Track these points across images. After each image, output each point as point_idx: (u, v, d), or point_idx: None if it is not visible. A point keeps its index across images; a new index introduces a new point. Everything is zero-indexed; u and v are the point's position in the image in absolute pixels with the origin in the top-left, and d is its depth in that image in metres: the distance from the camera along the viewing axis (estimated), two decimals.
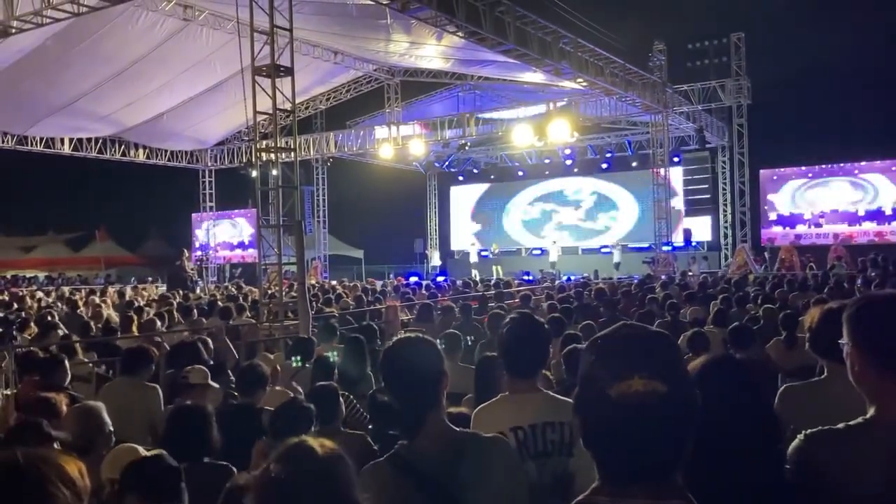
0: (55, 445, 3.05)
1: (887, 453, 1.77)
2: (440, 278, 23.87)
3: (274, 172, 12.15)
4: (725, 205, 25.11)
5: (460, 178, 32.75)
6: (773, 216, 23.35)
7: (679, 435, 1.30)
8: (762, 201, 23.60)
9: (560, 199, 30.99)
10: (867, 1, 29.19)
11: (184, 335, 8.66)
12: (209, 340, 7.28)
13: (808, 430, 1.90)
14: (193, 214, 31.11)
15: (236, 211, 30.22)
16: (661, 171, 22.31)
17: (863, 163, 22.42)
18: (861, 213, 22.15)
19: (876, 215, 21.94)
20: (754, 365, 3.95)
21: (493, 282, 17.45)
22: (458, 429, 2.27)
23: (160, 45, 18.39)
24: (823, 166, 22.97)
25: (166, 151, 27.80)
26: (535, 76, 19.78)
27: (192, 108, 23.20)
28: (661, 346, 1.37)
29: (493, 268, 26.21)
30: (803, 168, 23.24)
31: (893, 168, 21.90)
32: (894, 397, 1.84)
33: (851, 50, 27.57)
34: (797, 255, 21.34)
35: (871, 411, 1.87)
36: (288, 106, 11.35)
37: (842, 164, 22.72)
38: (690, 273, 19.81)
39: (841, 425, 1.87)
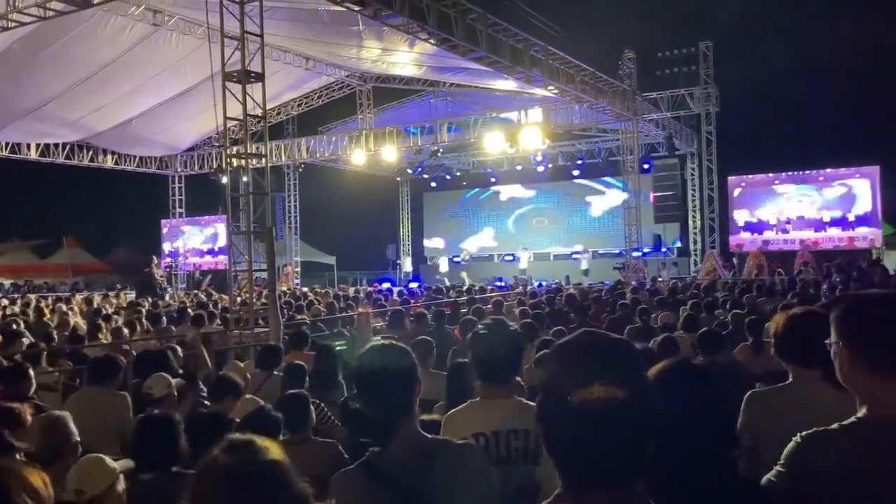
0: (18, 456, 3.00)
1: (880, 451, 1.80)
2: (413, 284, 23.84)
3: (245, 179, 12.07)
4: (695, 211, 25.40)
5: (433, 184, 32.81)
6: (741, 222, 23.64)
7: (639, 441, 1.31)
8: (730, 207, 23.90)
9: (531, 204, 31.17)
10: (832, 10, 29.76)
11: (152, 343, 8.56)
12: (178, 349, 7.21)
13: (804, 432, 1.92)
14: (163, 221, 30.79)
15: (207, 217, 29.95)
16: (632, 178, 22.51)
17: (828, 170, 22.79)
18: (826, 219, 22.51)
19: (840, 221, 22.30)
20: (716, 370, 3.99)
21: (465, 288, 17.48)
22: (429, 435, 2.27)
23: (129, 49, 18.20)
24: (790, 173, 23.31)
25: (135, 157, 27.49)
26: (506, 83, 19.88)
27: (162, 114, 22.97)
28: (621, 353, 1.39)
29: (461, 274, 26.24)
30: (770, 175, 23.56)
31: (857, 175, 22.29)
32: (884, 396, 1.87)
33: (817, 59, 28.07)
34: (765, 260, 21.64)
35: (862, 410, 1.90)
36: (259, 112, 11.29)
37: (808, 171, 23.08)
38: (660, 279, 20.00)
39: (835, 425, 1.90)
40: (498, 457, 2.63)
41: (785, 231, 22.80)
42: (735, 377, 5.35)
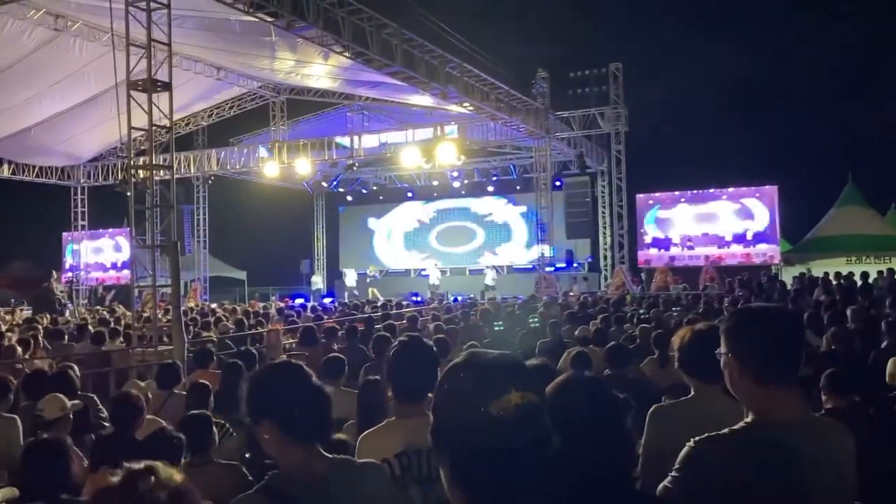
0: None
1: (760, 452, 1.87)
2: (327, 300, 23.55)
3: (150, 191, 11.68)
4: (605, 227, 26.02)
5: (349, 198, 32.59)
6: (647, 239, 24.38)
7: (549, 450, 1.28)
8: (638, 224, 24.61)
9: (447, 220, 31.34)
10: (734, 35, 31.19)
11: (47, 362, 8.13)
12: (75, 367, 6.87)
13: (697, 437, 2.01)
14: (64, 234, 29.49)
15: (110, 230, 28.85)
16: (544, 194, 22.91)
17: (730, 189, 23.76)
18: (728, 237, 23.45)
19: (741, 239, 23.27)
20: (622, 383, 4.05)
21: (380, 304, 17.37)
22: (329, 455, 2.21)
23: (29, 55, 17.39)
24: (695, 191, 24.20)
25: (34, 167, 26.28)
26: (423, 99, 19.96)
27: (64, 123, 22.03)
28: (521, 364, 1.38)
29: (369, 290, 26.12)
30: (676, 193, 24.40)
31: (757, 194, 23.31)
32: (769, 404, 1.99)
33: (720, 82, 29.38)
34: (671, 275, 22.35)
35: (749, 416, 2.02)
36: (166, 122, 10.96)
37: (711, 190, 24.00)
38: (572, 293, 20.37)
39: (725, 430, 2.01)
40: (421, 476, 2.59)
41: (690, 248, 23.62)
42: (641, 390, 5.45)
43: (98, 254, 29.15)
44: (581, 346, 7.14)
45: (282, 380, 2.16)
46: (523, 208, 29.15)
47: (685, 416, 2.84)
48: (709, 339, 2.90)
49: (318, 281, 30.20)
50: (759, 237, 23.02)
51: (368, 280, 28.33)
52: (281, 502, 2.01)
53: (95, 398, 6.25)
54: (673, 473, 2.01)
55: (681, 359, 2.97)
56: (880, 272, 17.39)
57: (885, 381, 6.54)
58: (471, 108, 18.86)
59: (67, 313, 19.56)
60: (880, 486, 3.52)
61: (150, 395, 5.35)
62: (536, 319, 11.25)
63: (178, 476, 1.45)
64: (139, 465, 1.47)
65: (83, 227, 29.09)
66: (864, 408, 4.87)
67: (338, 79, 20.84)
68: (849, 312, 9.32)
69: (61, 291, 22.32)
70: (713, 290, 19.14)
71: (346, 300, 20.13)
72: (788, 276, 20.84)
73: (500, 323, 11.14)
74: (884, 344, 7.76)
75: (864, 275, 16.40)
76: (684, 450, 2.01)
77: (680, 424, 2.65)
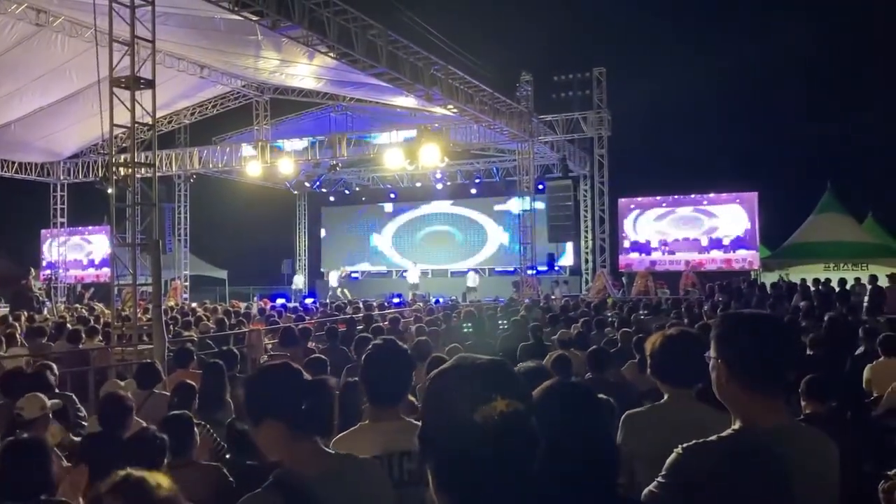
0: None
1: (746, 459, 1.90)
2: (308, 300, 23.48)
3: (131, 188, 11.59)
4: (586, 231, 26.13)
5: (331, 199, 32.50)
6: (628, 243, 24.51)
7: (534, 457, 1.29)
8: (620, 229, 24.74)
9: (430, 221, 31.35)
10: (718, 42, 31.46)
11: (23, 361, 8.04)
12: (53, 366, 6.81)
13: (685, 444, 2.01)
14: (43, 231, 29.17)
15: (90, 228, 28.57)
16: (527, 197, 22.97)
17: (711, 194, 23.93)
18: (704, 242, 23.65)
19: (721, 244, 23.45)
20: (603, 387, 4.07)
21: (361, 305, 17.34)
22: (333, 451, 2.25)
23: (9, 49, 17.20)
24: (676, 196, 24.36)
25: (14, 163, 26.00)
26: (407, 100, 19.96)
27: (45, 119, 21.81)
28: (508, 371, 1.38)
29: (339, 291, 26.09)
30: (658, 198, 24.54)
31: (738, 200, 23.51)
32: (754, 410, 2.00)
33: (703, 88, 29.62)
34: (652, 280, 22.48)
35: (736, 423, 2.02)
36: (148, 120, 10.87)
37: (692, 195, 24.17)
38: (553, 297, 20.45)
39: (713, 437, 2.01)
40: (392, 479, 2.59)
41: (671, 252, 23.76)
42: (621, 394, 5.48)
43: (77, 251, 28.84)
44: (562, 350, 7.16)
45: (286, 378, 2.16)
46: (506, 211, 29.21)
47: (657, 420, 2.83)
48: (680, 344, 2.92)
49: (300, 281, 30.11)
50: (739, 243, 23.20)
51: (339, 281, 28.31)
52: (294, 497, 2.00)
53: (74, 397, 6.20)
54: (659, 479, 2.02)
55: (653, 364, 2.96)
56: (857, 279, 17.62)
57: (861, 387, 6.64)
58: (455, 110, 18.88)
59: (45, 311, 19.34)
60: (857, 491, 3.57)
61: (130, 396, 5.29)
62: (505, 324, 11.29)
63: (166, 483, 1.45)
64: (129, 474, 1.48)
65: (62, 224, 28.82)
66: (842, 413, 4.93)
67: (322, 79, 20.80)
68: (826, 319, 9.44)
69: (39, 289, 22.06)
70: (694, 295, 19.29)
71: (328, 301, 20.06)
72: (767, 281, 21.05)
73: (469, 325, 11.15)
74: (860, 350, 7.88)
75: (842, 281, 16.60)
76: (672, 456, 2.01)
77: (652, 429, 2.67)
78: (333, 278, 28.60)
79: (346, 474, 2.10)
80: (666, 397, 2.96)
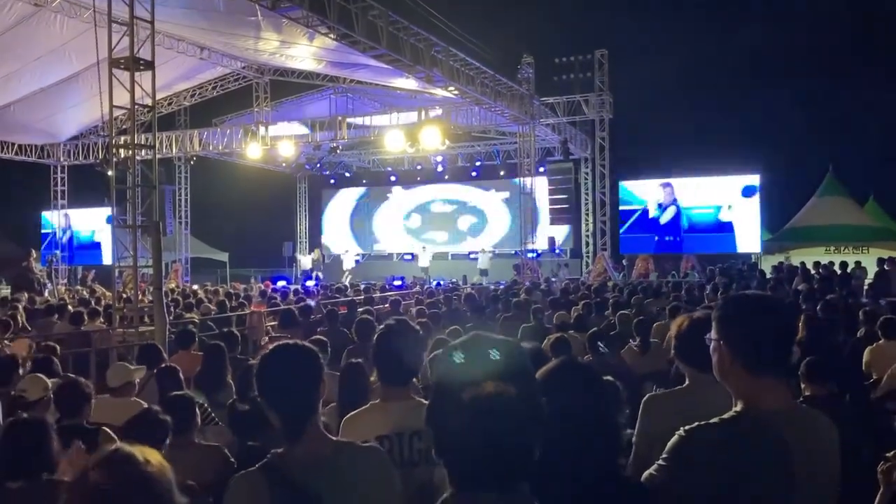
0: None
1: (748, 441, 1.91)
2: (310, 283, 23.50)
3: (132, 170, 11.57)
4: (587, 214, 26.10)
5: (332, 181, 32.44)
6: (629, 226, 24.45)
7: (527, 439, 1.31)
8: (621, 211, 24.68)
9: (431, 205, 31.31)
10: (721, 24, 31.29)
11: (27, 342, 8.07)
12: (57, 349, 6.84)
13: (686, 427, 2.00)
14: (44, 212, 29.17)
15: (92, 209, 28.56)
16: (528, 180, 22.93)
17: (713, 177, 23.85)
18: (710, 225, 23.55)
19: (723, 227, 23.38)
20: (604, 369, 4.08)
21: (363, 287, 17.37)
22: (333, 437, 2.26)
23: (8, 30, 17.08)
24: (677, 179, 24.26)
25: (13, 145, 25.93)
26: (407, 82, 19.86)
27: (44, 100, 21.71)
28: (509, 352, 1.39)
29: (346, 277, 26.15)
30: (659, 180, 24.44)
31: (740, 183, 23.41)
32: (758, 393, 1.99)
33: (705, 71, 29.47)
34: (652, 263, 22.48)
35: (738, 405, 2.01)
36: (148, 101, 10.84)
37: (694, 178, 24.07)
38: (554, 279, 20.46)
39: (715, 420, 2.00)
40: (402, 459, 2.61)
41: (672, 235, 23.71)
42: (621, 376, 5.49)
43: (78, 233, 28.85)
44: (561, 332, 7.18)
45: (275, 367, 2.17)
46: (506, 194, 29.17)
47: (680, 405, 2.82)
48: (706, 328, 2.91)
49: (307, 262, 29.96)
50: (741, 226, 23.16)
51: (312, 265, 28.33)
52: (279, 481, 2.02)
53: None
54: (660, 462, 2.02)
55: (677, 347, 2.96)
56: (858, 262, 17.61)
57: (861, 370, 6.65)
58: (456, 92, 18.80)
59: (47, 293, 19.38)
60: (855, 473, 3.58)
61: (136, 378, 5.29)
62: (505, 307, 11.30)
63: (155, 458, 1.46)
64: (118, 448, 1.48)
65: (63, 206, 28.78)
66: (841, 396, 4.95)
67: (322, 61, 20.69)
68: (828, 301, 9.44)
69: (40, 271, 22.09)
70: (693, 278, 19.30)
71: (342, 284, 20.03)
72: (768, 264, 21.04)
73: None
74: (860, 332, 7.89)
75: (843, 264, 16.60)
76: (674, 438, 2.01)
77: (675, 414, 2.66)
78: (307, 262, 28.67)
79: (340, 461, 2.10)
80: (688, 381, 2.94)
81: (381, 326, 2.94)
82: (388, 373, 2.80)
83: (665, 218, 23.60)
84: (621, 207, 24.18)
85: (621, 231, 24.03)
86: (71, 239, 28.77)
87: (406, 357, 2.80)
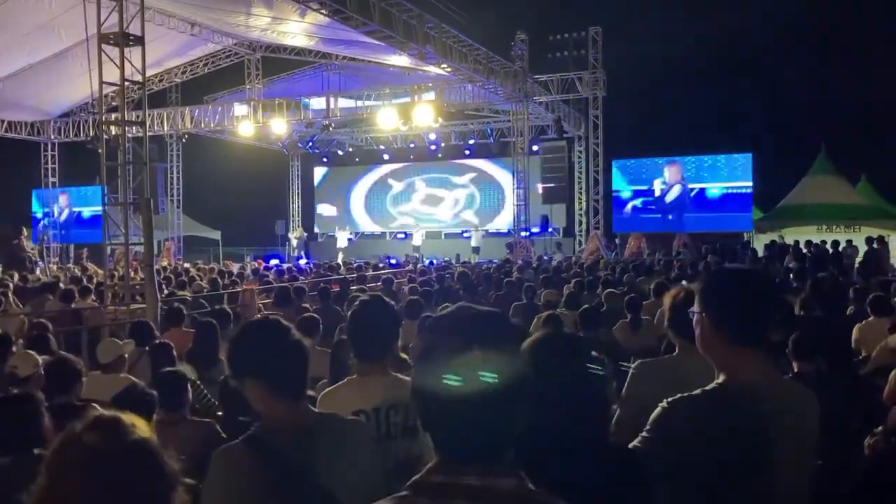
0: None
1: (729, 412, 1.94)
2: (302, 261, 23.48)
3: (122, 147, 11.50)
4: (580, 193, 26.08)
5: (324, 159, 32.30)
6: (621, 204, 24.46)
7: (512, 409, 1.32)
8: (614, 190, 24.67)
9: (424, 182, 31.23)
10: (715, 2, 31.14)
11: (20, 318, 8.06)
12: (49, 326, 6.84)
13: (669, 398, 2.03)
14: (35, 190, 28.99)
15: (83, 187, 28.38)
16: (521, 158, 22.87)
17: (706, 156, 23.82)
18: (701, 204, 23.57)
19: (715, 205, 23.39)
20: (596, 346, 4.11)
21: (356, 265, 17.36)
22: (316, 410, 2.28)
23: None
24: (670, 158, 24.22)
25: (3, 122, 25.73)
26: (400, 59, 19.74)
27: (34, 77, 21.50)
28: (495, 323, 1.40)
29: (340, 256, 26.13)
30: (653, 159, 24.41)
31: (733, 162, 23.40)
32: (739, 365, 2.02)
33: (699, 49, 29.37)
34: (645, 241, 22.50)
35: (720, 377, 2.04)
36: (138, 78, 10.74)
37: (688, 157, 24.04)
38: (546, 257, 20.48)
39: (697, 391, 2.02)
40: (379, 433, 2.62)
41: (664, 213, 23.72)
42: (612, 352, 5.54)
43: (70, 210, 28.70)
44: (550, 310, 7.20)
45: (262, 337, 2.19)
46: (500, 172, 29.10)
47: (669, 373, 2.86)
48: None
49: (292, 239, 29.89)
50: (733, 204, 23.18)
51: (296, 243, 28.32)
52: (262, 452, 2.03)
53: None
54: (644, 434, 2.04)
55: (671, 317, 2.98)
56: (849, 241, 17.69)
57: (850, 347, 6.70)
58: (448, 69, 18.70)
59: (38, 271, 19.31)
60: (843, 446, 3.63)
61: (125, 355, 5.30)
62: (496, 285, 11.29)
63: (142, 425, 1.46)
64: (103, 413, 1.48)
65: (54, 183, 28.60)
66: (830, 372, 4.98)
67: (314, 37, 20.53)
68: (818, 279, 9.49)
69: (31, 249, 21.99)
70: (686, 256, 19.33)
71: (334, 262, 20.01)
72: (760, 243, 21.11)
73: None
74: (850, 310, 7.94)
75: (835, 243, 16.67)
76: (657, 410, 2.04)
77: (662, 381, 2.68)
78: (342, 238, 28.66)
79: (322, 433, 2.11)
80: (678, 350, 2.98)
81: (356, 303, 2.95)
82: (363, 348, 2.82)
83: (671, 196, 23.60)
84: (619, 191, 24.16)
85: (629, 210, 23.99)
86: (70, 217, 28.61)
87: (381, 332, 2.81)
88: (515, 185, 23.17)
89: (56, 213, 28.03)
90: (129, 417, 1.46)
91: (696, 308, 2.12)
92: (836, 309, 8.11)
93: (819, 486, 2.12)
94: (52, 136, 27.66)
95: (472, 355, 1.29)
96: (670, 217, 23.45)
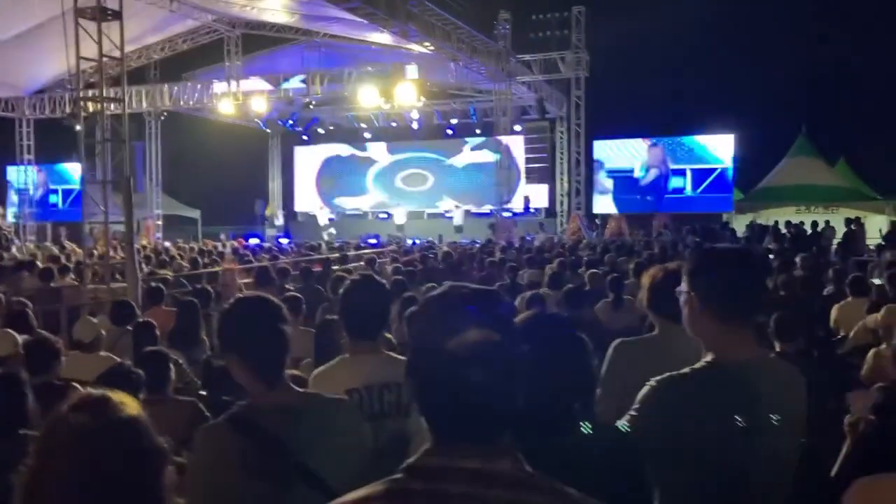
0: None
1: (721, 393, 1.95)
2: (283, 240, 23.37)
3: (100, 125, 11.34)
4: (562, 174, 26.10)
5: (304, 137, 32.02)
6: (604, 185, 24.53)
7: (510, 388, 1.31)
8: (596, 171, 24.74)
9: (406, 162, 31.07)
10: None
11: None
12: (29, 304, 6.75)
13: (658, 377, 2.04)
14: (9, 167, 28.55)
15: (60, 165, 28.01)
16: (503, 138, 22.83)
17: (687, 136, 23.93)
18: (682, 185, 23.71)
19: (695, 186, 23.54)
20: (579, 325, 4.11)
21: (337, 245, 17.32)
22: (300, 389, 2.27)
23: None
24: (653, 139, 24.31)
25: None
26: (382, 37, 19.57)
27: (7, 52, 21.05)
28: (492, 301, 1.39)
29: (326, 234, 26.03)
30: (635, 140, 24.47)
31: (714, 143, 23.53)
32: (725, 342, 2.03)
33: (682, 30, 29.38)
34: (625, 222, 22.61)
35: (708, 356, 2.05)
36: (116, 53, 10.57)
37: (668, 138, 24.14)
38: (529, 237, 20.52)
39: (686, 370, 2.03)
40: (372, 411, 2.63)
41: (644, 194, 23.84)
42: (595, 331, 5.55)
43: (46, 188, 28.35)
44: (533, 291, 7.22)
45: (251, 316, 2.18)
46: (483, 152, 29.02)
47: (648, 350, 2.87)
48: (679, 279, 2.94)
49: (280, 218, 29.72)
50: (713, 185, 23.33)
51: (266, 221, 28.25)
52: (245, 430, 2.02)
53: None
54: (631, 412, 2.05)
55: (649, 297, 2.97)
56: (827, 222, 17.87)
57: (829, 326, 6.78)
58: (431, 47, 18.59)
59: (14, 249, 19.07)
60: (822, 425, 3.67)
61: (103, 332, 5.26)
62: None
63: (131, 403, 1.44)
64: (91, 392, 1.47)
65: (29, 161, 28.17)
66: (809, 351, 5.04)
67: (295, 13, 20.30)
68: (797, 260, 9.59)
69: (7, 227, 21.71)
70: (666, 237, 19.45)
71: (316, 242, 19.94)
72: (740, 224, 21.28)
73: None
74: (828, 290, 8.04)
75: (814, 224, 16.84)
76: (644, 389, 2.04)
77: (642, 359, 2.69)
78: (323, 217, 28.57)
79: (306, 412, 2.11)
80: (657, 330, 2.97)
81: (347, 282, 2.94)
82: (355, 327, 2.81)
83: (650, 177, 23.69)
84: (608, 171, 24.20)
85: (612, 191, 24.08)
86: (46, 193, 28.24)
87: (373, 311, 2.81)
88: (498, 166, 23.14)
89: (32, 191, 27.65)
90: (117, 396, 1.45)
91: (683, 287, 2.13)
92: (816, 288, 8.20)
93: (802, 465, 2.14)
94: (27, 113, 27.20)
95: (469, 335, 1.27)
96: (649, 198, 23.54)
